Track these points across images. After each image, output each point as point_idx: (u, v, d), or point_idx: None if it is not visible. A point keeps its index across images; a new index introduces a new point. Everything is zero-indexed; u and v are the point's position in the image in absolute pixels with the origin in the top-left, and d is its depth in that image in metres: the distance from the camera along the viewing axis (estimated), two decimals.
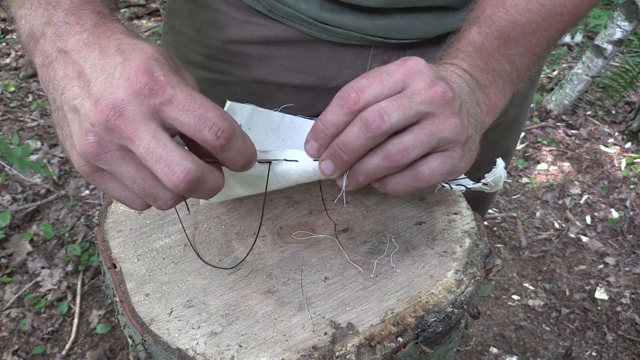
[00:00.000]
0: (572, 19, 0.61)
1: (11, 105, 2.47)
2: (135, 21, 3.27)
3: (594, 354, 1.72)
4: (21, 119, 2.40)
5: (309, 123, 0.60)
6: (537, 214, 2.22)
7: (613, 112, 2.81)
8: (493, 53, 0.57)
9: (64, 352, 1.58)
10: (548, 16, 0.59)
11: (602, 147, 2.56)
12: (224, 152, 0.41)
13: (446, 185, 0.56)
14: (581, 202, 2.28)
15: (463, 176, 0.57)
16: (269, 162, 0.50)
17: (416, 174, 0.48)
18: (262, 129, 0.56)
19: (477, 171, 0.64)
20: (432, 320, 0.53)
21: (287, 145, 0.57)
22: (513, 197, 2.30)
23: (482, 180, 0.57)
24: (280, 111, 0.60)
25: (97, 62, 0.41)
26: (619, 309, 1.85)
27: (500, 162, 0.58)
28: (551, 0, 0.59)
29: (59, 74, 0.42)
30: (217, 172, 0.43)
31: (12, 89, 2.57)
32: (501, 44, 0.58)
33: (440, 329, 0.53)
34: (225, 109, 0.51)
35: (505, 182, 2.41)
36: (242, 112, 0.55)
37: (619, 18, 2.41)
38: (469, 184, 0.57)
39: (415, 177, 0.48)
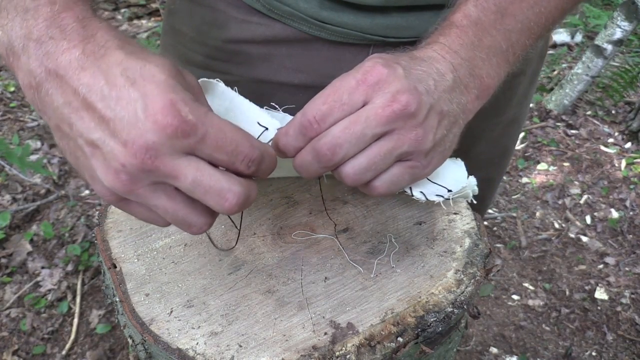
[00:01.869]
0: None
1: (11, 105, 2.47)
2: (135, 21, 3.27)
3: (594, 354, 1.72)
4: (21, 119, 2.40)
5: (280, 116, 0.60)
6: (537, 214, 2.22)
7: (613, 112, 2.81)
8: (489, 28, 0.55)
9: (64, 352, 1.58)
10: None
11: (602, 147, 2.56)
12: (256, 174, 0.44)
13: (421, 196, 0.57)
14: (581, 202, 2.28)
15: (439, 186, 0.58)
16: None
17: (371, 187, 0.51)
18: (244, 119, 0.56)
19: (478, 171, 0.64)
20: (432, 320, 0.53)
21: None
22: (513, 197, 2.30)
23: (448, 195, 0.59)
24: (281, 112, 0.60)
25: (106, 93, 0.38)
26: (619, 309, 1.85)
27: (471, 180, 0.60)
28: None
29: (58, 101, 0.39)
30: (254, 183, 0.45)
31: (12, 89, 2.57)
32: (498, 18, 0.55)
33: (440, 329, 0.53)
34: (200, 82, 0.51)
35: (505, 182, 2.40)
36: (222, 98, 0.54)
37: (619, 18, 2.41)
38: (444, 194, 0.59)
39: (372, 188, 0.51)
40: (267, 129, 0.51)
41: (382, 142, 0.47)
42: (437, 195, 0.58)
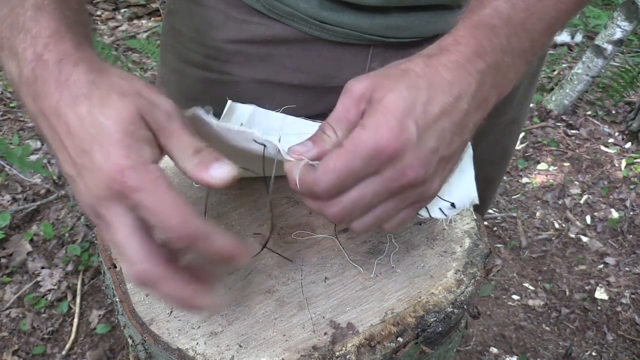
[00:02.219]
0: None
1: (11, 105, 2.47)
2: (135, 21, 3.27)
3: (594, 354, 1.72)
4: (21, 119, 2.40)
5: (311, 125, 0.60)
6: (537, 214, 2.22)
7: (613, 112, 2.81)
8: (517, 28, 0.50)
9: (64, 352, 1.58)
10: None
11: (602, 147, 2.56)
12: (193, 252, 0.42)
13: (424, 213, 0.57)
14: (581, 202, 2.28)
15: (443, 200, 0.58)
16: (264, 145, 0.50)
17: (381, 229, 0.51)
18: (263, 129, 0.56)
19: (478, 171, 0.64)
20: (432, 320, 0.53)
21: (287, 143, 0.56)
22: (513, 197, 2.30)
23: (450, 213, 0.59)
24: (281, 112, 0.60)
25: (76, 143, 0.42)
26: (619, 309, 1.85)
27: (468, 197, 0.59)
28: None
29: (47, 135, 0.44)
30: (179, 282, 0.43)
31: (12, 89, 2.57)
32: (527, 16, 0.50)
33: (440, 329, 0.53)
34: (226, 108, 0.51)
35: (505, 182, 2.40)
36: (243, 112, 0.55)
37: (619, 18, 2.41)
38: (446, 209, 0.58)
39: (381, 229, 0.51)
40: (265, 146, 0.50)
41: (389, 202, 0.48)
42: (440, 209, 0.58)
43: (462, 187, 0.59)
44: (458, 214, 0.65)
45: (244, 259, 0.44)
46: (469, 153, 0.60)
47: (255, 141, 0.50)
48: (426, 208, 0.56)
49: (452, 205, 0.58)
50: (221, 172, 0.43)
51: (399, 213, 0.49)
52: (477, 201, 0.60)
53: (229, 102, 0.51)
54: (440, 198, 0.57)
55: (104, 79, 0.43)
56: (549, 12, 0.52)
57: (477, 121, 0.50)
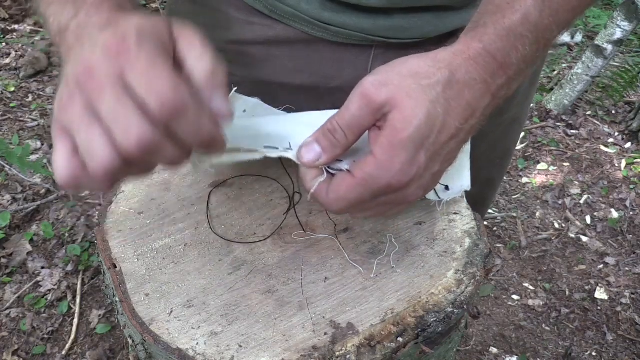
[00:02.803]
0: None
1: (11, 105, 2.47)
2: None
3: (594, 354, 1.72)
4: (21, 119, 2.40)
5: (314, 114, 0.60)
6: (537, 214, 2.22)
7: (613, 112, 2.81)
8: (539, 36, 0.49)
9: (64, 352, 1.58)
10: None
11: (602, 147, 2.56)
12: (174, 127, 0.39)
13: None
14: (581, 202, 2.28)
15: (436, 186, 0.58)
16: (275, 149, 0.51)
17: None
18: (266, 115, 0.57)
19: (478, 171, 0.64)
20: (432, 320, 0.53)
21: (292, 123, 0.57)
22: (513, 197, 2.29)
23: (444, 196, 0.60)
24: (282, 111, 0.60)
25: (94, 35, 0.43)
26: (619, 309, 1.85)
27: (461, 181, 0.60)
28: None
29: (73, 56, 0.44)
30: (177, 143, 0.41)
31: (12, 89, 2.57)
32: (549, 24, 0.49)
33: (440, 329, 0.53)
34: (229, 96, 0.51)
35: (505, 182, 2.40)
36: (245, 102, 0.55)
37: (619, 18, 2.41)
38: (440, 191, 0.60)
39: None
40: (277, 148, 0.51)
41: (387, 205, 0.50)
42: (434, 190, 0.58)
43: (456, 170, 0.60)
44: (458, 213, 0.65)
45: (222, 147, 0.43)
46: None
47: (267, 146, 0.51)
48: None
49: (446, 187, 0.59)
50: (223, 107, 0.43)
51: (392, 209, 0.52)
52: (469, 187, 0.60)
53: (233, 90, 0.52)
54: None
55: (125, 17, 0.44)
56: (566, 18, 0.51)
57: (479, 128, 0.51)
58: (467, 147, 0.61)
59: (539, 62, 0.53)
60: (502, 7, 0.48)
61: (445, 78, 0.46)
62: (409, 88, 0.45)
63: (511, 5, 0.48)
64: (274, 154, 0.51)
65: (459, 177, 0.60)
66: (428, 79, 0.45)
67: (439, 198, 0.59)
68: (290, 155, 0.50)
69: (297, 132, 0.52)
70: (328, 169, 0.49)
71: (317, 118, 0.51)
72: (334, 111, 0.48)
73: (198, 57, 0.43)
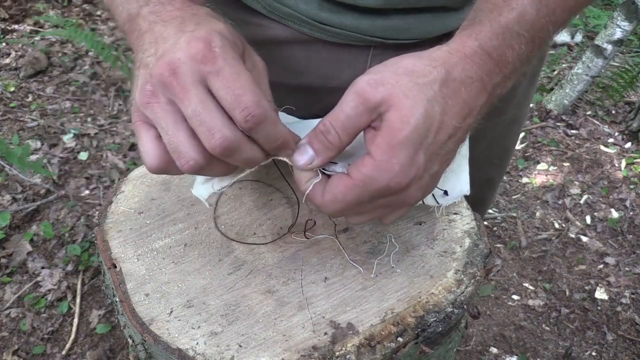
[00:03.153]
0: None
1: (11, 105, 2.47)
2: None
3: (594, 354, 1.72)
4: (21, 119, 2.40)
5: (312, 122, 0.60)
6: (537, 214, 2.22)
7: (613, 112, 2.81)
8: (534, 35, 0.48)
9: (64, 352, 1.58)
10: None
11: (602, 147, 2.56)
12: (254, 135, 0.44)
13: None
14: (581, 202, 2.28)
15: (435, 191, 0.59)
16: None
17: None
18: None
19: (478, 171, 0.64)
20: (432, 320, 0.53)
21: None
22: (513, 197, 2.29)
23: (443, 201, 0.60)
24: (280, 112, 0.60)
25: (174, 30, 0.45)
26: (619, 309, 1.85)
27: (460, 186, 0.60)
28: None
29: (146, 42, 0.47)
30: (254, 146, 0.45)
31: (12, 89, 2.57)
32: (545, 22, 0.49)
33: (440, 329, 0.53)
34: None
35: (505, 182, 2.40)
36: None
37: (619, 18, 2.41)
38: (438, 197, 0.60)
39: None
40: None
41: (384, 209, 0.50)
42: (432, 196, 0.58)
43: (455, 175, 0.60)
44: (458, 213, 0.64)
45: (292, 149, 0.48)
46: (465, 144, 0.60)
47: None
48: None
49: (445, 193, 0.58)
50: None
51: (392, 213, 0.51)
52: (468, 192, 0.60)
53: None
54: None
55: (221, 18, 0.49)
56: (563, 17, 0.50)
57: (475, 127, 0.50)
58: (465, 151, 0.61)
59: (535, 60, 0.53)
60: (499, 5, 0.48)
61: (442, 76, 0.45)
62: (406, 87, 0.44)
63: (507, 3, 0.48)
64: (266, 160, 0.50)
65: (458, 182, 0.60)
66: (424, 77, 0.45)
67: (438, 203, 0.59)
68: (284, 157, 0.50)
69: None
70: (323, 171, 0.48)
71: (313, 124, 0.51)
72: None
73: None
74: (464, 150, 0.60)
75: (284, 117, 0.60)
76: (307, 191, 0.48)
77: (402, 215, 0.52)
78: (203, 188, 0.52)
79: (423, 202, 0.58)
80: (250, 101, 0.42)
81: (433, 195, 0.59)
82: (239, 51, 0.47)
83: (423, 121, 0.44)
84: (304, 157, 0.47)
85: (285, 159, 0.49)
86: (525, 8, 0.47)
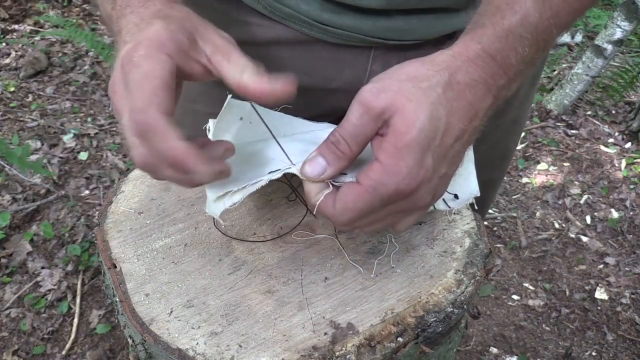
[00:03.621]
0: None
1: (11, 105, 2.47)
2: None
3: (594, 354, 1.72)
4: (21, 119, 2.40)
5: (307, 124, 0.61)
6: (537, 214, 2.22)
7: (613, 112, 2.81)
8: (538, 38, 0.48)
9: (64, 352, 1.58)
10: None
11: (602, 147, 2.56)
12: (147, 146, 0.45)
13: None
14: (581, 202, 2.28)
15: (445, 195, 0.59)
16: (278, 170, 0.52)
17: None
18: (261, 124, 0.57)
19: (479, 172, 0.64)
20: (432, 320, 0.53)
21: (286, 142, 0.58)
22: (513, 197, 2.30)
23: (454, 205, 0.59)
24: (279, 111, 0.60)
25: (123, 35, 0.48)
26: (619, 309, 1.85)
27: (469, 189, 0.60)
28: None
29: (115, 31, 0.50)
30: (170, 169, 0.45)
31: (12, 89, 2.57)
32: (548, 25, 0.49)
33: (440, 329, 0.53)
34: (225, 103, 0.52)
35: (505, 182, 2.40)
36: (241, 109, 0.56)
37: (619, 18, 2.41)
38: (449, 200, 0.59)
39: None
40: (279, 169, 0.53)
41: (395, 215, 0.50)
42: (443, 200, 0.58)
43: (463, 179, 0.60)
44: (458, 213, 0.65)
45: (191, 170, 0.46)
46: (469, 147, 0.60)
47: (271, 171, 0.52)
48: None
49: (455, 196, 0.58)
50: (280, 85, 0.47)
51: (404, 219, 0.51)
52: (478, 193, 0.60)
53: (229, 97, 0.52)
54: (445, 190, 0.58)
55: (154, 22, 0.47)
56: (567, 20, 0.50)
57: (481, 129, 0.50)
58: (471, 154, 0.61)
59: (539, 62, 0.53)
60: (502, 8, 0.48)
61: (445, 80, 0.45)
62: (408, 92, 0.44)
63: (510, 6, 0.48)
64: (278, 175, 0.51)
65: (467, 185, 0.60)
66: (427, 81, 0.45)
67: (449, 207, 0.59)
68: (294, 170, 0.50)
69: (297, 149, 0.53)
70: (333, 183, 0.48)
71: (315, 135, 0.52)
72: (332, 125, 0.48)
73: (240, 72, 0.47)
74: (470, 153, 0.60)
75: (294, 120, 0.60)
76: (319, 202, 0.48)
77: (415, 222, 0.51)
78: (215, 206, 0.52)
79: (434, 208, 0.58)
80: (137, 107, 0.43)
81: (444, 199, 0.58)
82: (178, 44, 0.46)
83: (428, 123, 0.44)
84: (316, 168, 0.47)
85: (294, 172, 0.50)
86: (529, 11, 0.47)
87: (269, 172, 0.52)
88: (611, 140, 2.61)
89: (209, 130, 0.55)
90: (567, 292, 1.91)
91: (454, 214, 0.64)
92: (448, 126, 0.45)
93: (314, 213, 0.49)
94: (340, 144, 0.46)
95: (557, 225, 2.17)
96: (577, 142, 2.60)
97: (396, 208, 0.48)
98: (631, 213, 2.23)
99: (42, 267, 1.78)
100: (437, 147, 0.45)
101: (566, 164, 2.47)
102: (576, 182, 2.37)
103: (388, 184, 0.44)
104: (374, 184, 0.45)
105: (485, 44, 0.47)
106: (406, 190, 0.45)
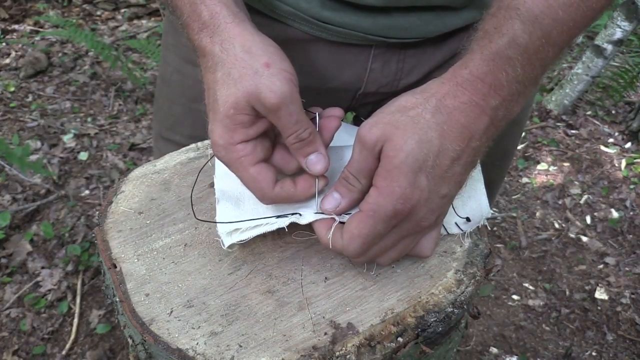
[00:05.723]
0: (598, 13, 0.54)
1: (11, 105, 2.47)
2: (135, 21, 3.28)
3: (594, 354, 1.72)
4: (21, 119, 2.41)
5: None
6: (537, 214, 2.22)
7: (613, 112, 2.81)
8: (532, 58, 0.49)
9: (64, 352, 1.58)
10: (585, 12, 0.51)
11: (602, 147, 2.56)
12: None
13: (442, 230, 0.59)
14: (581, 202, 2.28)
15: (457, 216, 0.60)
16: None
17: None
18: None
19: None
20: (432, 320, 0.53)
21: None
22: (513, 197, 2.30)
23: (466, 227, 0.61)
24: None
25: (220, 76, 0.52)
26: (619, 309, 1.85)
27: (481, 211, 0.61)
28: None
29: (209, 61, 0.54)
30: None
31: (12, 89, 2.57)
32: (541, 44, 0.49)
33: (440, 329, 0.53)
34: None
35: (505, 182, 2.40)
36: None
37: (619, 18, 2.41)
38: (461, 224, 0.61)
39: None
40: (287, 216, 0.57)
41: (404, 241, 0.53)
42: (456, 224, 0.59)
43: (475, 201, 0.60)
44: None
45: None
46: (477, 168, 0.61)
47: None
48: (443, 225, 0.58)
49: (467, 219, 0.59)
50: (316, 164, 0.53)
51: (415, 240, 0.54)
52: (489, 214, 0.61)
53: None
54: (456, 214, 0.59)
55: (230, 53, 0.51)
56: (562, 39, 0.51)
57: (485, 149, 0.52)
58: (479, 175, 0.62)
59: (541, 79, 0.53)
60: (489, 32, 0.50)
61: (432, 106, 0.48)
62: (397, 121, 0.48)
63: (498, 29, 0.49)
64: (286, 222, 0.56)
65: (479, 207, 0.61)
66: (415, 109, 0.48)
67: (462, 230, 0.60)
68: (302, 221, 0.56)
69: (305, 205, 0.57)
70: (341, 221, 0.53)
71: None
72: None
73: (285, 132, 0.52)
74: (478, 174, 0.61)
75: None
76: (330, 235, 0.53)
77: (435, 244, 0.55)
78: (224, 237, 0.57)
79: (447, 232, 0.60)
80: (254, 190, 0.53)
81: (456, 223, 0.60)
82: (241, 118, 0.51)
83: (417, 146, 0.47)
84: (331, 201, 0.53)
85: (302, 223, 0.56)
86: (516, 33, 0.48)
87: (278, 217, 0.56)
88: (611, 140, 2.61)
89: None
90: (567, 292, 1.91)
91: (467, 237, 0.63)
92: (441, 148, 0.47)
93: (330, 247, 0.53)
94: (349, 178, 0.51)
95: (557, 225, 2.17)
96: (577, 142, 2.60)
97: (402, 231, 0.50)
98: (631, 213, 2.23)
99: (42, 267, 1.78)
100: (432, 169, 0.48)
101: (566, 164, 2.47)
102: (576, 182, 2.37)
103: (385, 205, 0.47)
104: (373, 207, 0.48)
105: (472, 68, 0.49)
106: (404, 210, 0.48)
